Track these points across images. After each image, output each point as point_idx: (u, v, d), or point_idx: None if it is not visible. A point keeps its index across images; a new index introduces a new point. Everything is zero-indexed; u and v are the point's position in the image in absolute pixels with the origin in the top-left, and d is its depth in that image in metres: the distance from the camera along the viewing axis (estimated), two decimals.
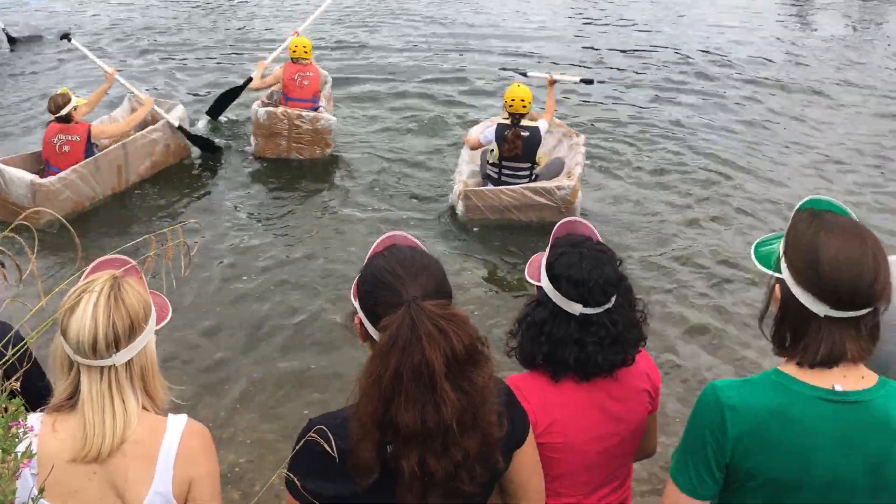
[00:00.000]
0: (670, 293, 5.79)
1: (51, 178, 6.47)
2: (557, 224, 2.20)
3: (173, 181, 7.54)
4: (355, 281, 1.71)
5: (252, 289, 5.82)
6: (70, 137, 6.65)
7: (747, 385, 1.65)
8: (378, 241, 1.79)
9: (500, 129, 6.55)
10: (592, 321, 1.96)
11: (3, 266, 1.82)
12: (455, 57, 11.82)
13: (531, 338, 2.02)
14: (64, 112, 6.60)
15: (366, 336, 1.67)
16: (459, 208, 6.53)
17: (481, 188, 6.59)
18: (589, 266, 1.96)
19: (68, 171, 6.57)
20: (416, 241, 1.80)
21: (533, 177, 6.70)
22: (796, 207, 1.68)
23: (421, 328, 1.45)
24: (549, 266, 2.01)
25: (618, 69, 11.24)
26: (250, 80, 8.41)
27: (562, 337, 1.97)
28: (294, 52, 7.95)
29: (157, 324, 1.79)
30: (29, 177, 6.40)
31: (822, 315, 1.56)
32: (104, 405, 1.64)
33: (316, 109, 7.88)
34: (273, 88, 8.25)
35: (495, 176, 6.68)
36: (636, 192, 7.39)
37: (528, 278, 2.16)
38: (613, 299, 1.98)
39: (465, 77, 10.81)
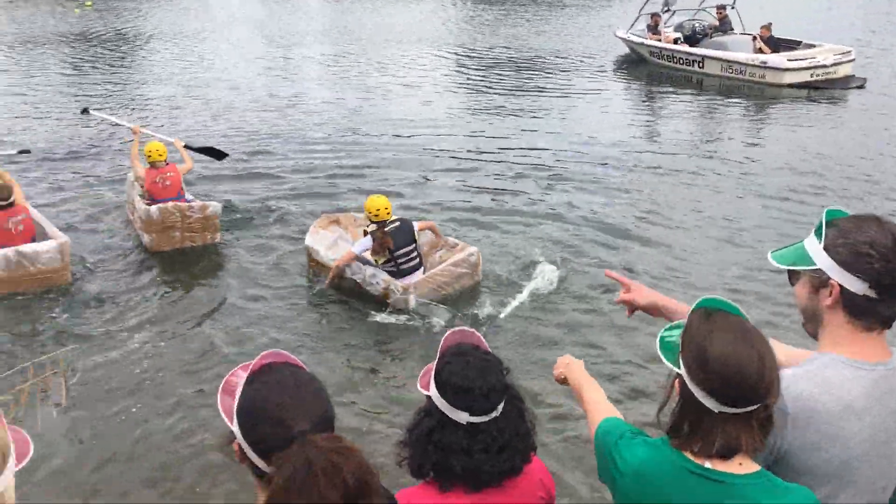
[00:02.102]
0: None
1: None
2: (446, 334, 2.17)
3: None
4: (233, 406, 1.61)
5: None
6: (17, 218, 7.35)
7: (640, 445, 1.77)
8: (254, 362, 1.66)
9: (373, 236, 7.04)
10: (480, 429, 1.95)
11: None
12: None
13: (420, 447, 2.00)
14: (9, 200, 7.29)
15: (244, 459, 1.60)
16: (411, 302, 6.95)
17: (420, 279, 7.10)
18: (474, 374, 1.96)
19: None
20: (293, 357, 1.70)
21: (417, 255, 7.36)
22: (691, 308, 1.74)
23: (316, 467, 1.39)
24: (437, 374, 2.01)
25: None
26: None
27: (449, 445, 1.95)
28: (150, 156, 8.28)
29: (17, 463, 1.58)
30: (56, 238, 7.38)
31: (715, 411, 1.62)
32: None
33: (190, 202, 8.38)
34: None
35: (395, 269, 7.13)
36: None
37: (419, 388, 2.11)
38: (500, 407, 1.98)
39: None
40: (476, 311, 7.01)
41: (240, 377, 1.69)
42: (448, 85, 17.39)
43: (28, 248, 7.17)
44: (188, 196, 8.63)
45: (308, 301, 7.42)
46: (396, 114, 14.56)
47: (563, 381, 2.34)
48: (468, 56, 21.09)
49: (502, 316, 6.92)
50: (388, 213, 7.11)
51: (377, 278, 7.07)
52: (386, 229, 7.05)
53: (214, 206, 8.24)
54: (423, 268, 7.32)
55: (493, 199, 10.00)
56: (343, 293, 7.37)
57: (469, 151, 12.12)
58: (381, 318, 6.93)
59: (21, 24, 27.24)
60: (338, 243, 7.89)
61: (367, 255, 7.23)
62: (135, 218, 8.50)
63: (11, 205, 7.33)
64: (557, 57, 20.36)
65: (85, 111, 9.46)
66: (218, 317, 7.01)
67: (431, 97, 16.06)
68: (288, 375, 1.62)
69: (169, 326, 6.79)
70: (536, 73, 18.55)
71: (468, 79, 18.09)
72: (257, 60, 20.31)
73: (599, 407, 2.07)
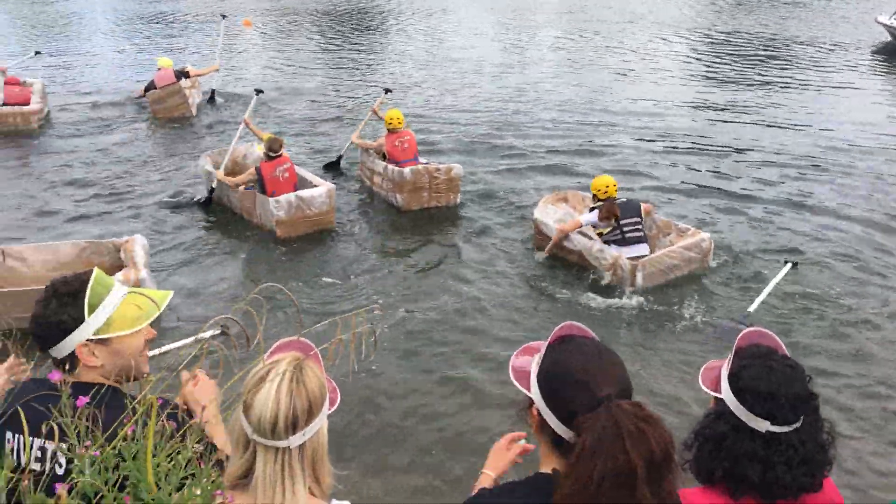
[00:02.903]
0: None
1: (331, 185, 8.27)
2: (741, 334, 2.04)
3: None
4: (532, 371, 1.65)
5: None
6: (286, 166, 8.21)
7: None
8: (554, 332, 1.70)
9: (600, 208, 7.15)
10: (780, 439, 1.84)
11: (227, 332, 1.90)
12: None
13: (709, 452, 1.90)
14: (280, 152, 8.19)
15: (542, 428, 1.63)
16: (638, 279, 6.84)
17: (651, 256, 6.99)
18: (778, 380, 1.85)
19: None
20: (590, 331, 1.72)
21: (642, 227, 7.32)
22: None
23: (623, 430, 1.41)
24: (734, 377, 1.90)
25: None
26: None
27: (744, 453, 1.85)
28: (391, 123, 8.95)
29: (329, 409, 1.77)
30: (322, 188, 8.13)
31: None
32: (276, 487, 1.62)
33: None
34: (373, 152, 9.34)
35: (619, 237, 7.16)
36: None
37: (703, 386, 2.02)
38: (802, 418, 1.86)
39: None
40: (713, 304, 6.75)
41: (533, 348, 1.75)
42: (686, 71, 16.87)
43: (305, 193, 8.00)
44: (421, 159, 9.12)
45: (531, 273, 7.43)
46: (632, 97, 14.35)
47: None
48: (708, 42, 20.22)
49: (751, 310, 6.53)
50: (614, 191, 7.32)
51: (605, 253, 7.09)
52: (614, 203, 7.19)
53: (457, 169, 8.78)
54: (646, 244, 7.24)
55: (733, 189, 9.60)
56: (565, 273, 7.36)
57: (704, 138, 11.71)
58: (603, 302, 6.81)
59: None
60: (564, 219, 7.98)
61: (592, 232, 7.34)
62: (380, 182, 9.11)
63: (280, 155, 8.21)
64: (806, 45, 18.93)
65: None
66: (453, 283, 7.19)
67: (668, 82, 15.69)
68: (588, 343, 1.66)
69: (426, 289, 7.08)
70: (782, 62, 17.40)
71: (706, 67, 17.41)
72: (491, 40, 20.81)
73: None
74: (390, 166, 8.83)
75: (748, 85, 15.34)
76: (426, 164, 9.02)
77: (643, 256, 7.03)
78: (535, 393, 1.63)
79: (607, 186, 7.29)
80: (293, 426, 1.61)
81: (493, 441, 2.12)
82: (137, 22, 23.96)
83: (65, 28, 22.79)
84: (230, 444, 1.69)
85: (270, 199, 7.90)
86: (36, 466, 1.86)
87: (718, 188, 9.61)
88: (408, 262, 7.66)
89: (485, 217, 8.71)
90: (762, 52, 18.42)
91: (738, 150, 11.05)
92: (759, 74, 16.20)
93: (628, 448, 1.39)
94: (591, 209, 7.35)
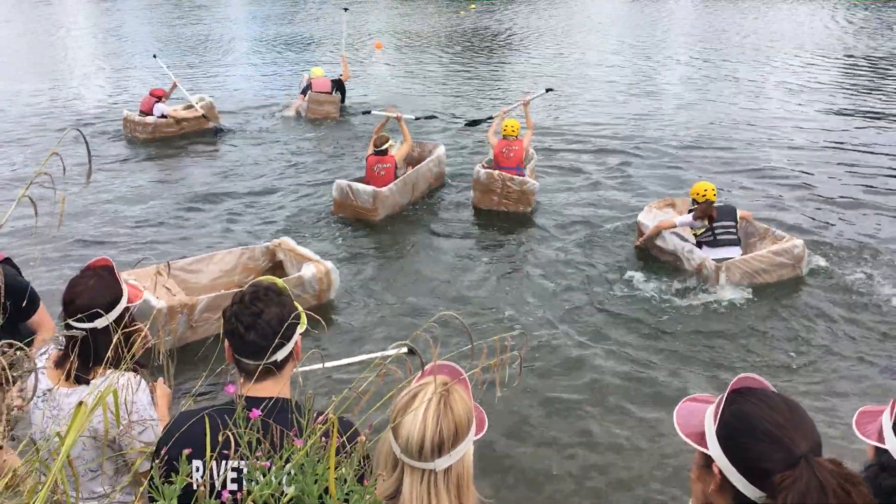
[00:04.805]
0: None
1: (384, 188, 8.99)
2: None
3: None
4: (708, 426, 1.56)
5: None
6: (385, 165, 9.11)
7: None
8: (731, 384, 1.60)
9: (697, 210, 7.39)
10: None
11: (416, 352, 1.93)
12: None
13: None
14: (383, 147, 9.07)
15: (723, 488, 1.54)
16: (721, 280, 6.97)
17: (737, 258, 7.12)
18: None
19: (391, 184, 9.07)
20: (765, 381, 1.61)
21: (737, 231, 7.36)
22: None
23: (828, 489, 1.35)
24: None
25: None
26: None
27: None
28: (505, 130, 9.49)
29: (476, 434, 1.78)
30: (370, 188, 8.92)
31: None
32: None
33: (520, 175, 9.33)
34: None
35: (711, 238, 7.37)
36: None
37: (859, 434, 1.91)
38: None
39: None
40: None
41: (699, 399, 1.68)
42: (827, 92, 16.09)
43: (355, 185, 8.94)
44: (525, 171, 9.56)
45: (627, 276, 7.49)
46: (766, 118, 13.96)
47: None
48: (854, 65, 19.26)
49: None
50: (713, 195, 7.48)
51: (694, 254, 7.31)
52: (711, 205, 7.41)
53: (532, 184, 9.27)
54: (740, 248, 7.34)
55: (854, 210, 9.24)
56: (656, 270, 7.51)
57: (838, 164, 11.20)
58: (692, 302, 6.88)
59: (414, 20, 31.08)
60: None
61: (689, 234, 7.56)
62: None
63: (384, 153, 9.13)
64: None
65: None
66: (523, 283, 7.44)
67: (808, 103, 15.03)
68: (774, 396, 1.55)
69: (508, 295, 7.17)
70: None
71: (850, 86, 16.61)
72: (625, 62, 20.56)
73: None
74: (477, 166, 9.42)
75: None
76: (523, 174, 9.36)
77: (732, 258, 7.09)
78: (714, 450, 1.52)
79: (706, 190, 7.51)
80: (439, 449, 1.64)
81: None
82: (274, 42, 25.27)
83: (206, 47, 24.19)
84: (380, 463, 1.73)
85: (341, 181, 9.12)
86: (233, 487, 1.91)
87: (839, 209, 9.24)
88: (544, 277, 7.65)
89: (565, 224, 8.97)
90: None
91: (872, 175, 10.56)
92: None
93: None
94: (689, 211, 7.50)
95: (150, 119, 12.64)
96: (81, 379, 2.47)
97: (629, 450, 4.96)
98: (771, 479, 1.40)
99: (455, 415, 1.65)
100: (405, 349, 2.48)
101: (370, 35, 25.44)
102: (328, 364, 5.00)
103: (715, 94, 16.10)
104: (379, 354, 4.88)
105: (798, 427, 1.46)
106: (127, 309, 2.58)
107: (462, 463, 1.69)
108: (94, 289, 2.50)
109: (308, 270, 6.72)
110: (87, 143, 2.38)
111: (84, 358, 2.45)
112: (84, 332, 2.41)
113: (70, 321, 2.46)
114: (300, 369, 2.19)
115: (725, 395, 1.55)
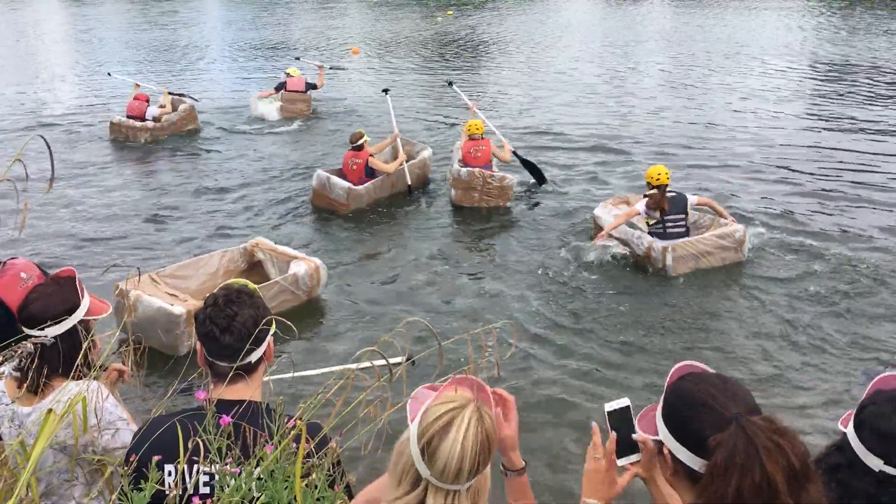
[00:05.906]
0: None
1: (360, 186, 9.38)
2: (880, 376, 2.03)
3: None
4: (656, 414, 1.63)
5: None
6: (357, 160, 9.48)
7: None
8: (672, 371, 1.69)
9: (651, 196, 7.64)
10: (892, 482, 1.80)
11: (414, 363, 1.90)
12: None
13: (823, 482, 1.86)
14: (359, 143, 9.47)
15: (677, 472, 1.59)
16: (668, 260, 7.36)
17: (681, 240, 7.50)
18: None
19: (368, 183, 9.47)
20: (703, 366, 1.69)
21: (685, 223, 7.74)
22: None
23: (758, 444, 1.39)
24: (858, 411, 1.91)
25: None
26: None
27: (855, 489, 1.84)
28: (469, 130, 9.90)
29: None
30: (346, 184, 9.27)
31: None
32: None
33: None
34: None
35: (661, 231, 7.68)
36: None
37: (840, 426, 2.01)
38: None
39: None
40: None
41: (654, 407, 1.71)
42: (797, 98, 16.25)
43: (333, 179, 9.29)
44: (495, 168, 9.88)
45: (587, 263, 7.80)
46: (735, 118, 14.14)
47: None
48: (819, 68, 19.54)
49: None
50: (667, 178, 7.68)
51: (643, 239, 7.64)
52: (664, 195, 7.61)
53: (510, 179, 9.57)
54: (688, 239, 7.63)
55: (831, 212, 9.32)
56: (612, 268, 7.71)
57: (813, 164, 11.29)
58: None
59: (390, 25, 31.03)
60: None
61: (642, 224, 7.88)
62: (449, 177, 9.92)
63: (360, 148, 9.56)
64: None
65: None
66: (489, 279, 7.61)
67: (777, 110, 15.09)
68: (709, 373, 1.63)
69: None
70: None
71: (816, 91, 16.84)
72: (599, 65, 20.58)
73: None
74: (455, 165, 9.74)
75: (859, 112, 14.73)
76: (494, 171, 9.64)
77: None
78: (661, 432, 1.60)
79: (659, 174, 7.68)
80: (473, 474, 1.60)
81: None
82: (244, 47, 25.08)
83: (183, 54, 23.91)
84: (396, 474, 1.65)
85: (322, 172, 9.49)
86: (206, 490, 1.91)
87: (816, 212, 9.30)
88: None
89: (539, 216, 9.30)
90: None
91: (848, 181, 10.56)
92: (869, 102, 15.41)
93: (765, 462, 1.37)
94: (644, 195, 7.81)
95: (149, 123, 12.82)
96: (37, 391, 2.40)
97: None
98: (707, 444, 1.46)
99: (489, 437, 1.60)
100: (405, 358, 2.38)
101: (345, 42, 25.34)
102: (305, 373, 5.14)
103: (686, 96, 16.26)
104: (379, 363, 4.84)
105: (729, 393, 1.53)
106: (86, 322, 2.53)
107: (483, 477, 1.65)
108: (49, 297, 2.45)
109: (300, 268, 6.78)
110: (49, 148, 2.36)
111: (39, 368, 2.38)
112: (38, 342, 2.34)
113: (24, 329, 2.41)
114: (269, 378, 2.20)
115: (667, 384, 1.65)
